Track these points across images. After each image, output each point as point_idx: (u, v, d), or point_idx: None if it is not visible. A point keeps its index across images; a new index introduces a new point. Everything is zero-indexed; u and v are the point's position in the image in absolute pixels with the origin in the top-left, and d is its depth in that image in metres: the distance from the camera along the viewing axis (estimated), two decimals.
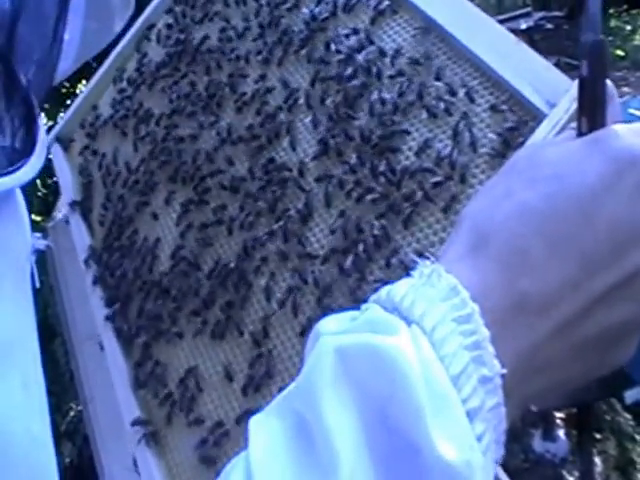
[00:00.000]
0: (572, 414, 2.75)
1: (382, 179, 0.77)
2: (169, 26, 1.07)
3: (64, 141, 1.14)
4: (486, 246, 0.41)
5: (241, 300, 0.84)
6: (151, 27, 1.10)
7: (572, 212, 0.40)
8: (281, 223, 0.83)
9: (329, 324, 0.41)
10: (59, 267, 2.57)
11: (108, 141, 1.07)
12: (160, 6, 1.11)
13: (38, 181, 5.16)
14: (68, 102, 5.54)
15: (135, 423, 0.91)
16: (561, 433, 2.72)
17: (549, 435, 2.66)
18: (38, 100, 0.54)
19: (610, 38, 6.14)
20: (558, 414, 2.77)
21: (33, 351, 0.56)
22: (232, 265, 0.85)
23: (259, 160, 0.88)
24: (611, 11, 6.53)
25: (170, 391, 0.89)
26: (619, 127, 0.45)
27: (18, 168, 0.48)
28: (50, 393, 0.56)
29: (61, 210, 2.64)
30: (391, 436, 0.35)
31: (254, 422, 0.39)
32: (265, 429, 0.39)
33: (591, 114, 0.47)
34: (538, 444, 2.65)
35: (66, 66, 0.90)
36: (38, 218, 4.33)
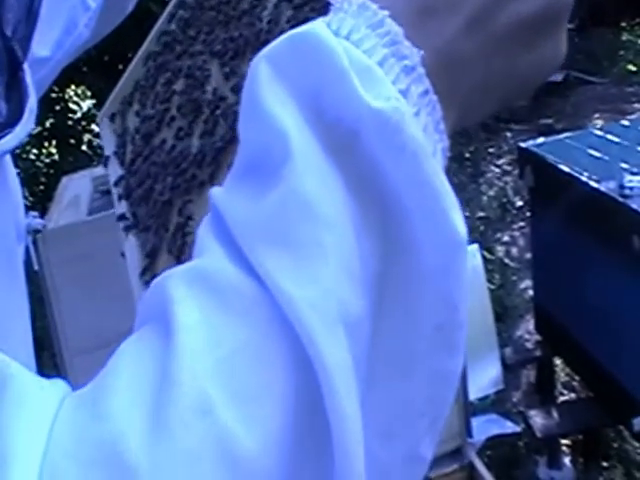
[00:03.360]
0: (578, 441, 2.75)
1: None
2: None
3: (109, 115, 1.15)
4: None
5: None
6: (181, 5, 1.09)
7: None
8: None
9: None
10: (50, 280, 2.53)
11: (139, 97, 1.09)
12: None
13: (25, 189, 5.25)
14: (57, 108, 5.60)
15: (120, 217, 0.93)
16: (567, 461, 2.69)
17: (555, 462, 2.63)
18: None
19: (621, 52, 6.11)
20: (564, 441, 2.74)
21: (23, 333, 0.58)
22: None
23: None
24: (623, 24, 6.47)
25: None
26: None
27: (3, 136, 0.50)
28: None
29: (51, 220, 2.61)
30: (330, 125, 0.38)
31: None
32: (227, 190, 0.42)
33: None
34: (543, 472, 2.63)
35: (85, 36, 0.95)
36: None
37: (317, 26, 0.40)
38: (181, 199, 0.87)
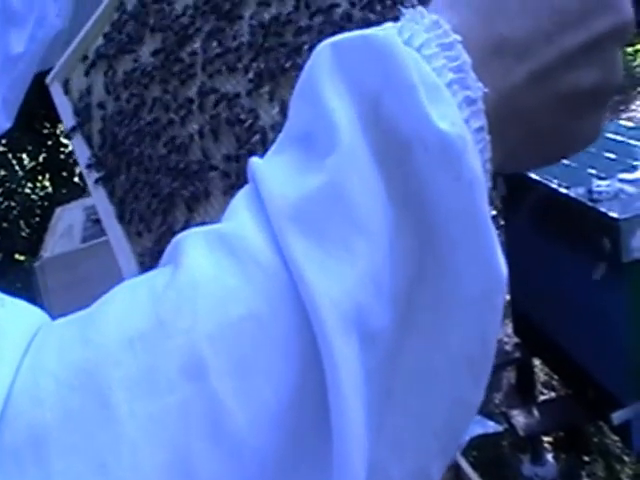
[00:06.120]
0: (560, 438, 2.78)
1: None
2: None
3: (62, 79, 1.12)
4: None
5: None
6: None
7: None
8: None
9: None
10: (48, 305, 2.59)
11: (104, 69, 1.01)
12: None
13: (22, 221, 5.27)
14: (49, 143, 5.63)
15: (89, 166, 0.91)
16: (549, 457, 2.72)
17: (538, 459, 2.67)
18: None
19: None
20: (546, 438, 2.78)
21: None
22: None
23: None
24: None
25: None
26: None
27: None
28: None
29: (47, 249, 2.69)
30: (385, 132, 0.37)
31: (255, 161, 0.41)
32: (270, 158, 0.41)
33: None
34: (527, 469, 2.66)
35: (58, 25, 0.97)
36: (22, 258, 4.48)
37: (389, 31, 0.39)
38: (183, 200, 0.83)
